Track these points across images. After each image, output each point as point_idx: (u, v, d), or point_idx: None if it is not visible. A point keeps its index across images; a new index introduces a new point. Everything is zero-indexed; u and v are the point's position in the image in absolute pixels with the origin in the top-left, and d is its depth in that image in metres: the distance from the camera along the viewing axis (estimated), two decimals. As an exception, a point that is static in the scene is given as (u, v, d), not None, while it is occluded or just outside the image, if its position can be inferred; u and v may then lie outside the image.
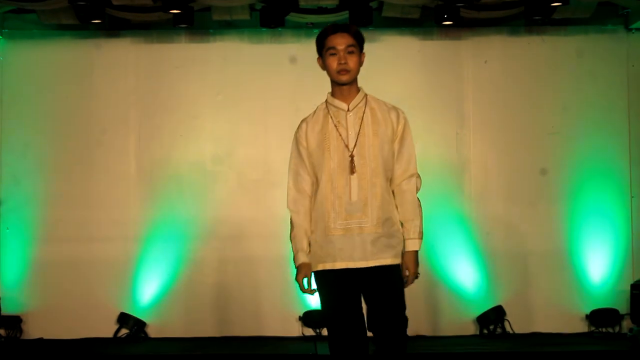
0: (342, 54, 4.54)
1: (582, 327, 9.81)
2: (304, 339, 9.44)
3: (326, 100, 4.79)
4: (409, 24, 9.45)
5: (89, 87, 10.06)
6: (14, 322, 9.76)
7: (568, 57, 9.99)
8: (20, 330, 9.82)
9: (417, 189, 4.77)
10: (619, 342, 9.33)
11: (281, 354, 8.33)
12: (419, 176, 4.77)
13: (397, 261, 4.60)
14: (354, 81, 4.67)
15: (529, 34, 10.04)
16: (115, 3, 9.16)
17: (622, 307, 9.57)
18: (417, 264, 4.68)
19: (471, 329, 9.49)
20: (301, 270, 4.63)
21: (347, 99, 4.67)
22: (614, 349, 9.07)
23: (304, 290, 4.63)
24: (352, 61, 4.57)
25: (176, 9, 9.17)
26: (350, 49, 4.57)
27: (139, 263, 9.90)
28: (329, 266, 4.57)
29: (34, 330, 9.85)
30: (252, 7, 9.43)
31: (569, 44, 10.01)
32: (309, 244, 4.70)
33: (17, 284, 9.88)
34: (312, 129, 4.72)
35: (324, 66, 4.68)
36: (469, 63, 9.80)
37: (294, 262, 4.69)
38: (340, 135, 4.61)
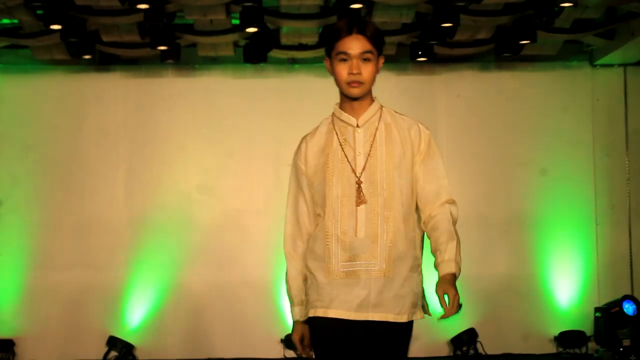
0: (355, 61, 3.50)
1: (550, 349, 9.89)
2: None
3: (333, 113, 3.77)
4: (386, 59, 9.51)
5: (81, 118, 10.12)
6: (7, 346, 9.77)
7: (536, 91, 10.11)
8: (14, 353, 9.83)
9: (454, 219, 3.68)
10: (585, 360, 9.40)
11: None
12: (454, 203, 3.71)
13: (404, 318, 3.54)
14: (367, 93, 3.63)
15: (498, 69, 10.14)
16: (105, 39, 9.26)
17: (588, 329, 9.63)
18: (455, 287, 3.47)
19: (445, 351, 9.58)
20: (297, 329, 3.79)
21: (357, 113, 3.65)
22: (580, 368, 9.17)
23: (301, 352, 3.82)
24: (366, 71, 3.51)
25: (163, 46, 9.25)
26: (366, 55, 3.50)
27: (127, 288, 9.93)
28: (320, 313, 3.57)
29: (26, 353, 9.87)
30: (235, 44, 9.56)
31: (536, 79, 10.14)
32: (307, 287, 3.74)
33: (10, 309, 9.90)
34: (312, 148, 3.73)
35: (332, 71, 3.64)
36: (442, 97, 9.87)
37: (291, 314, 3.84)
38: (346, 156, 3.59)
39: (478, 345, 9.66)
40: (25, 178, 10.05)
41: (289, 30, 9.16)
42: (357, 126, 3.63)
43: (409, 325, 3.58)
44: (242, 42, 9.41)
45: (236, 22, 8.72)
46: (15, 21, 8.95)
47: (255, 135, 9.87)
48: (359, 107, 3.64)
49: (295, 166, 3.81)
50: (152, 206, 9.92)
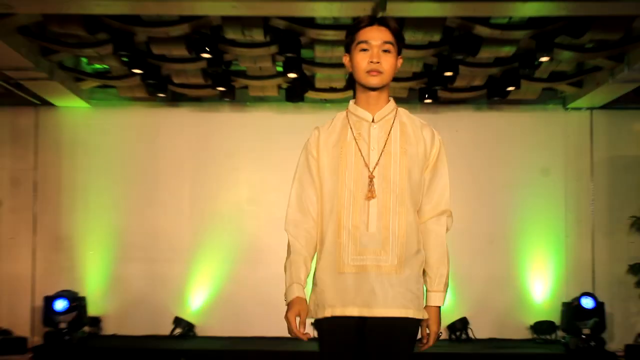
0: (375, 50, 3.04)
1: (527, 335, 9.84)
2: (315, 339, 9.41)
3: (347, 109, 3.26)
4: (397, 101, 9.43)
5: (155, 144, 10.16)
6: (95, 321, 9.86)
7: (519, 128, 10.09)
8: (100, 328, 9.91)
9: (447, 229, 3.27)
10: (555, 346, 9.41)
11: (298, 350, 8.30)
12: (450, 214, 3.27)
13: (420, 315, 3.07)
14: (384, 87, 3.14)
15: (489, 110, 10.09)
16: (175, 81, 9.31)
17: (557, 319, 9.61)
18: (439, 321, 3.19)
19: (443, 335, 9.52)
20: (293, 306, 3.04)
21: (373, 109, 3.15)
22: (551, 352, 9.20)
23: (294, 332, 3.02)
24: (386, 62, 3.05)
25: (222, 87, 9.28)
26: (387, 46, 3.06)
27: (189, 279, 9.96)
28: (338, 312, 3.02)
29: (110, 328, 9.94)
30: (279, 86, 9.58)
31: (520, 119, 10.10)
32: (315, 284, 3.17)
33: (98, 293, 9.93)
34: (326, 139, 3.19)
35: (351, 65, 3.16)
36: (444, 132, 9.46)
37: (286, 296, 3.12)
38: (360, 150, 3.08)
39: (469, 331, 9.64)
40: (110, 191, 10.11)
41: (322, 76, 9.14)
42: (373, 121, 3.14)
43: (419, 323, 3.10)
44: (285, 85, 9.44)
45: (280, 69, 8.75)
46: (106, 67, 9.00)
47: (293, 158, 9.77)
48: (375, 102, 3.14)
49: (307, 152, 3.22)
50: (210, 214, 9.95)
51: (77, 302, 9.36)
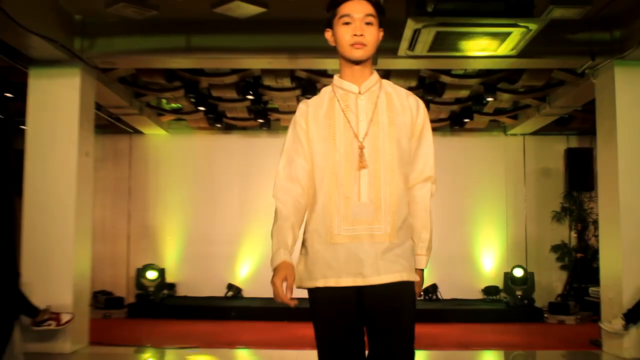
0: (358, 23, 2.40)
1: (479, 296, 9.82)
2: (306, 308, 9.43)
3: (332, 83, 2.58)
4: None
5: (214, 161, 10.20)
6: (171, 286, 9.88)
7: (473, 149, 10.08)
8: (175, 291, 9.93)
9: (431, 196, 2.63)
10: (499, 303, 9.39)
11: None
12: (434, 181, 2.63)
13: (413, 278, 2.43)
14: (368, 60, 2.50)
15: (452, 135, 10.03)
16: (228, 115, 9.36)
17: (501, 284, 9.55)
18: (422, 283, 2.60)
19: (420, 296, 9.54)
20: (280, 271, 2.31)
21: (358, 81, 2.50)
22: (496, 307, 9.16)
23: (280, 297, 2.29)
24: (369, 33, 2.42)
25: (261, 119, 9.36)
26: (369, 19, 2.42)
27: (238, 255, 9.99)
28: (332, 282, 2.37)
29: (181, 290, 9.96)
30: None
31: (473, 142, 10.09)
32: (304, 253, 2.49)
33: (174, 266, 9.96)
34: (314, 112, 2.50)
35: (334, 39, 2.50)
36: None
37: (272, 261, 2.38)
38: (349, 121, 2.43)
39: (438, 293, 9.58)
40: (182, 194, 10.17)
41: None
42: (360, 93, 2.48)
43: (413, 285, 2.45)
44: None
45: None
46: (179, 105, 9.09)
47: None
48: (360, 74, 2.49)
49: (296, 124, 2.51)
50: (252, 210, 9.89)
51: (159, 272, 9.47)
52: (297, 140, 2.49)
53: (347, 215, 2.37)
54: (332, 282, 2.36)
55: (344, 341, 2.38)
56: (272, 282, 2.30)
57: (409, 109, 2.49)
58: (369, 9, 2.42)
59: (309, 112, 2.50)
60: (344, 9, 2.42)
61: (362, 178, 2.39)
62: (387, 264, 2.36)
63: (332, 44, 2.52)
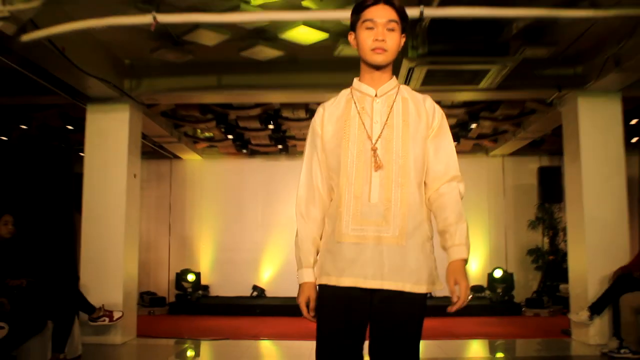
0: (380, 29, 2.04)
1: (467, 293, 9.69)
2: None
3: (351, 87, 2.20)
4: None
5: (241, 181, 10.22)
6: (206, 288, 9.87)
7: (461, 169, 9.97)
8: (208, 291, 9.91)
9: (461, 195, 2.18)
10: (484, 300, 9.29)
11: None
12: (461, 180, 2.19)
13: (421, 289, 1.99)
14: (388, 65, 2.12)
15: None
16: (253, 142, 9.39)
17: (485, 284, 9.49)
18: (467, 276, 2.08)
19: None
20: (303, 292, 2.09)
21: (377, 85, 2.13)
22: (481, 303, 9.06)
23: (306, 316, 2.08)
24: (391, 39, 2.05)
25: (280, 145, 9.37)
26: (392, 25, 2.05)
27: (262, 261, 9.99)
28: (333, 281, 2.01)
29: (214, 291, 9.95)
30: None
31: (460, 163, 9.96)
32: (319, 252, 2.13)
33: (208, 270, 9.99)
34: (330, 115, 2.16)
35: (356, 43, 2.13)
36: None
37: (298, 276, 2.13)
38: (364, 123, 2.08)
39: (432, 292, 9.50)
40: (214, 209, 10.18)
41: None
42: (376, 96, 2.12)
43: (424, 297, 2.01)
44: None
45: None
46: (212, 134, 9.14)
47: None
48: (378, 78, 2.12)
49: (313, 130, 2.19)
50: (274, 223, 9.91)
51: (195, 275, 9.48)
52: (314, 147, 2.17)
53: (356, 215, 2.02)
54: (333, 281, 2.02)
55: (340, 341, 2.01)
56: (298, 302, 2.09)
57: (425, 114, 2.12)
58: (393, 14, 2.07)
59: (325, 115, 2.17)
60: (368, 13, 2.08)
61: (373, 179, 2.03)
62: (393, 270, 1.97)
63: (354, 47, 2.16)
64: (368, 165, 2.04)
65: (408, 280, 1.97)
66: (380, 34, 2.04)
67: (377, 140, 2.06)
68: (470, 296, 2.06)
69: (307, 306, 2.08)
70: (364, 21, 2.07)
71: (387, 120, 2.08)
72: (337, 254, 2.02)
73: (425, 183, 2.14)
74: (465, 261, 2.09)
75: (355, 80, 2.19)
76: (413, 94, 2.18)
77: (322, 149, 2.14)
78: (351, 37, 2.16)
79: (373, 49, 2.05)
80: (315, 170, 2.15)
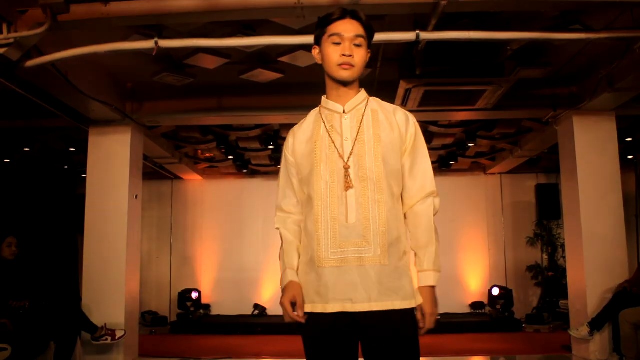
0: (347, 44, 1.96)
1: (467, 310, 9.71)
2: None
3: (320, 105, 2.13)
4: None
5: (241, 200, 10.22)
6: (207, 307, 9.85)
7: (458, 186, 10.01)
8: (210, 310, 9.87)
9: (435, 211, 2.10)
10: (484, 316, 9.28)
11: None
12: (437, 195, 2.11)
13: (410, 304, 1.94)
14: (355, 81, 2.05)
15: (440, 175, 9.70)
16: (253, 162, 9.40)
17: (485, 300, 9.46)
18: (435, 303, 2.04)
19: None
20: (288, 291, 1.99)
21: (343, 100, 2.05)
22: (481, 320, 9.06)
23: (289, 316, 1.96)
24: (358, 55, 1.98)
25: (280, 165, 9.36)
26: (359, 40, 1.98)
27: (263, 280, 9.94)
28: (319, 309, 1.93)
29: (215, 310, 9.91)
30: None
31: (458, 181, 10.03)
32: (299, 277, 2.04)
33: (209, 289, 9.97)
34: (300, 138, 2.09)
35: (321, 58, 2.06)
36: None
37: (281, 282, 2.06)
38: (334, 142, 2.00)
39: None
40: (215, 228, 10.19)
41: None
42: (344, 112, 2.04)
43: (413, 312, 1.96)
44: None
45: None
46: (212, 155, 9.16)
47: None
48: (345, 94, 2.04)
49: (285, 157, 2.14)
50: (274, 245, 9.65)
51: (197, 294, 9.47)
52: (286, 174, 2.14)
53: (335, 238, 1.93)
54: (319, 308, 1.92)
55: None
56: (281, 304, 1.98)
57: (396, 125, 2.03)
58: (359, 29, 1.99)
59: (295, 142, 2.10)
60: (334, 27, 1.99)
61: (349, 199, 1.94)
62: (379, 290, 1.89)
63: (319, 62, 2.08)
64: (342, 185, 1.96)
65: (396, 297, 1.91)
66: (347, 49, 1.97)
67: (349, 158, 1.98)
68: (438, 317, 2.02)
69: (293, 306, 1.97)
70: (331, 35, 1.99)
71: (357, 135, 2.00)
72: (319, 280, 1.94)
73: (401, 197, 2.07)
74: (433, 288, 2.03)
75: (323, 98, 2.12)
76: (383, 105, 2.10)
77: (297, 172, 2.08)
78: (315, 52, 2.09)
79: (340, 65, 1.98)
80: (289, 195, 2.12)
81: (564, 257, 7.50)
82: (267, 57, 5.48)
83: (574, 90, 6.20)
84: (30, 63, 4.35)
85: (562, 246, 9.00)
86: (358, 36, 1.99)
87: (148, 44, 4.28)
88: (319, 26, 2.04)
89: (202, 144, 8.13)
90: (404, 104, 5.60)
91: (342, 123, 2.03)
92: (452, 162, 9.12)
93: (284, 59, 5.24)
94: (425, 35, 4.23)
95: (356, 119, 2.03)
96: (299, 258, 2.06)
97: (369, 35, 2.03)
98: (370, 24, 2.04)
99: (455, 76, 5.07)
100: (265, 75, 5.62)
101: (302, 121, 2.14)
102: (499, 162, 9.30)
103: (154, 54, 4.32)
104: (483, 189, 10.16)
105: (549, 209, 9.51)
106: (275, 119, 6.80)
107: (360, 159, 1.97)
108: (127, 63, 5.65)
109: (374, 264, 1.91)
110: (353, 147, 1.99)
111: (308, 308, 1.95)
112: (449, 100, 5.60)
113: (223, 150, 8.42)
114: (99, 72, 5.80)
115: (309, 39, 4.61)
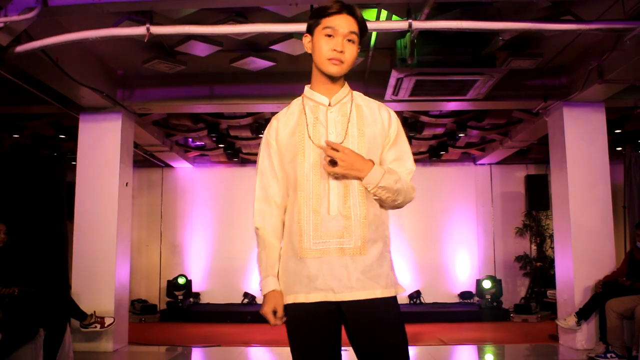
0: (340, 39, 1.95)
1: (456, 299, 9.77)
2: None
3: (303, 94, 2.11)
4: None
5: (231, 189, 10.15)
6: (196, 295, 9.84)
7: (448, 176, 10.09)
8: (199, 299, 9.89)
9: (413, 189, 2.03)
10: (473, 305, 9.34)
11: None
12: (413, 188, 2.04)
13: (390, 293, 1.94)
14: (342, 76, 2.05)
15: (430, 166, 10.05)
16: (244, 151, 9.41)
17: (474, 290, 9.54)
18: (360, 164, 1.91)
19: (405, 300, 9.51)
20: (269, 301, 1.97)
21: (329, 93, 2.03)
22: (470, 309, 9.12)
23: (274, 323, 1.96)
24: (349, 51, 1.98)
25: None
26: (352, 36, 1.97)
27: (253, 268, 9.83)
28: (301, 298, 1.93)
29: (205, 298, 9.93)
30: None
31: (448, 171, 10.11)
32: (280, 270, 2.03)
33: (199, 277, 9.97)
34: (284, 126, 2.05)
35: (312, 47, 2.03)
36: None
37: (261, 287, 2.04)
38: (318, 134, 1.98)
39: (421, 298, 9.56)
40: (205, 217, 10.17)
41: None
42: (330, 105, 2.02)
43: (396, 300, 1.97)
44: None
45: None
46: (203, 143, 9.14)
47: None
48: (331, 87, 2.03)
49: (267, 143, 2.07)
50: None
51: (186, 282, 9.48)
52: (269, 161, 2.07)
53: (317, 229, 1.94)
54: (301, 298, 1.93)
55: (321, 353, 1.94)
56: (263, 312, 1.98)
57: (380, 121, 2.04)
58: (354, 26, 1.98)
59: (279, 126, 2.07)
60: (329, 21, 1.97)
61: (331, 191, 1.94)
62: (360, 279, 1.91)
63: (308, 51, 2.06)
64: (325, 177, 1.95)
65: (377, 286, 1.92)
66: (339, 44, 1.96)
67: None
68: (343, 162, 1.90)
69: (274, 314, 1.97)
70: (325, 27, 1.98)
71: (341, 129, 1.99)
72: (301, 271, 1.94)
73: None
74: (370, 166, 1.93)
75: (307, 88, 2.10)
76: (367, 100, 2.10)
77: (279, 162, 2.05)
78: (306, 40, 2.07)
79: (330, 59, 1.97)
80: (270, 182, 2.06)
81: (552, 248, 7.58)
82: (259, 45, 5.47)
83: (564, 81, 6.24)
84: (20, 48, 4.32)
85: (551, 237, 9.09)
86: (352, 32, 1.98)
87: (140, 30, 4.26)
88: (314, 16, 2.03)
89: (192, 132, 8.11)
90: (395, 94, 5.61)
91: (327, 116, 2.02)
92: (442, 152, 9.16)
93: (275, 47, 5.23)
94: (418, 24, 4.23)
95: (342, 113, 2.02)
96: (278, 262, 2.04)
97: (362, 33, 2.03)
98: (365, 21, 2.04)
99: (447, 66, 5.07)
100: (257, 63, 5.60)
101: (285, 108, 2.11)
102: (489, 152, 9.34)
103: (145, 40, 4.31)
104: (473, 180, 10.20)
105: (538, 200, 9.57)
106: (266, 107, 6.78)
107: None
108: (118, 49, 5.63)
109: (355, 254, 1.92)
110: (341, 141, 1.97)
111: (290, 299, 1.95)
112: (440, 90, 5.61)
113: (214, 139, 8.42)
114: (90, 58, 5.77)
115: (301, 27, 4.63)
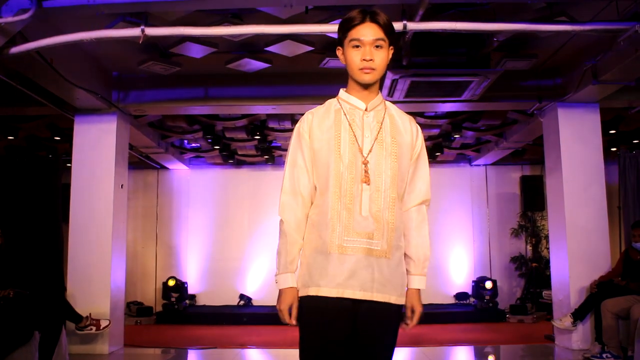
0: (367, 48, 2.00)
1: (452, 300, 9.79)
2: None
3: (338, 97, 2.15)
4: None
5: (227, 190, 10.21)
6: (192, 297, 9.85)
7: (444, 178, 10.03)
8: (195, 301, 9.88)
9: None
10: (469, 306, 9.37)
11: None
12: (429, 204, 2.22)
13: (402, 301, 2.05)
14: (377, 82, 2.09)
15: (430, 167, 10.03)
16: (239, 152, 9.37)
17: (469, 291, 9.55)
18: (421, 304, 2.12)
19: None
20: (286, 297, 2.03)
21: (365, 99, 2.09)
22: (467, 310, 9.16)
23: (286, 321, 2.02)
24: (379, 57, 2.02)
25: (266, 156, 9.37)
26: (379, 42, 2.01)
27: (249, 270, 9.95)
28: (324, 292, 1.96)
29: (201, 300, 9.94)
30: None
31: (444, 172, 10.04)
32: (302, 262, 2.07)
33: (195, 279, 9.97)
34: (320, 122, 2.08)
35: (344, 59, 2.09)
36: None
37: (278, 281, 2.07)
38: (355, 136, 2.04)
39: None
40: (201, 219, 10.14)
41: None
42: (366, 110, 2.08)
43: (400, 308, 2.05)
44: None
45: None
46: (198, 145, 9.14)
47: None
48: (367, 94, 2.08)
49: (299, 136, 2.09)
50: (260, 231, 9.87)
51: (181, 284, 9.46)
52: (300, 153, 2.08)
53: (348, 227, 1.98)
54: (324, 292, 1.97)
55: (333, 351, 1.97)
56: (279, 309, 2.03)
57: (410, 132, 2.11)
58: (379, 32, 2.02)
59: (314, 121, 2.09)
60: (355, 32, 2.03)
61: (364, 192, 2.00)
62: (381, 282, 1.98)
63: (343, 62, 2.11)
64: (358, 178, 2.01)
65: (394, 292, 2.00)
66: (367, 53, 2.01)
67: (368, 154, 2.03)
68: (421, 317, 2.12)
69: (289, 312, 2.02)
70: (351, 40, 2.04)
71: (377, 135, 2.06)
72: (327, 265, 1.98)
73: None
74: (420, 291, 2.13)
75: (343, 91, 2.15)
76: (399, 111, 2.17)
77: (311, 157, 2.07)
78: (339, 52, 2.12)
79: (361, 69, 2.03)
80: (300, 176, 2.08)
81: (548, 249, 7.58)
82: (254, 46, 5.47)
83: (558, 82, 6.26)
84: (14, 50, 4.31)
85: (546, 237, 9.10)
86: (378, 39, 2.02)
87: (135, 32, 4.25)
88: (341, 29, 2.09)
89: (188, 133, 8.10)
90: (390, 95, 5.62)
91: (363, 120, 2.08)
92: (437, 154, 9.16)
93: (271, 48, 5.23)
94: (413, 26, 4.24)
95: (377, 119, 2.09)
96: (299, 255, 2.08)
97: (389, 35, 2.06)
98: (390, 23, 2.07)
99: (442, 67, 5.08)
100: (252, 64, 5.60)
101: (320, 106, 2.16)
102: (484, 153, 9.36)
103: (140, 42, 4.30)
104: (468, 180, 10.22)
105: (533, 201, 9.60)
106: (262, 108, 6.78)
107: (378, 158, 2.03)
108: (113, 51, 5.61)
109: (380, 257, 2.00)
110: (372, 145, 2.04)
111: (312, 291, 1.99)
112: (435, 91, 5.62)
113: (209, 140, 8.41)
114: (85, 60, 5.76)
115: (296, 29, 4.63)
